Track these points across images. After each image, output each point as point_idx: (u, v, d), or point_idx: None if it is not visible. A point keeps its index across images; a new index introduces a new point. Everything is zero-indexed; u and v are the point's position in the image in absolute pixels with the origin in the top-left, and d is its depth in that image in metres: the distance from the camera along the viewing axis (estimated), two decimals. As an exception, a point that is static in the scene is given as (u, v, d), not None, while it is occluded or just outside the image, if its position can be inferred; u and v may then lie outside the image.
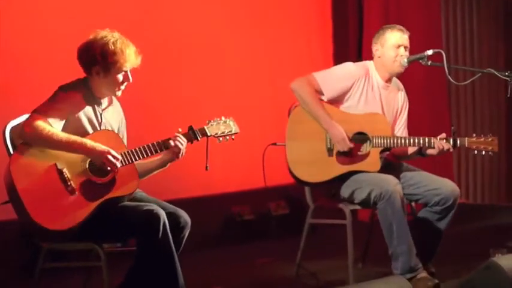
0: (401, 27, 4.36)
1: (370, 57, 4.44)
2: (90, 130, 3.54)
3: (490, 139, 4.20)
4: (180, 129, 3.65)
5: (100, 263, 3.49)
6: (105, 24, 3.62)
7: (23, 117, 3.53)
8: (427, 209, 4.25)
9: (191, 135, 3.65)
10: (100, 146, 3.44)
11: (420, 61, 4.24)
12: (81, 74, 3.61)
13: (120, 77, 3.55)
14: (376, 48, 4.36)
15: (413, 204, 4.41)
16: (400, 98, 4.47)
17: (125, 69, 3.54)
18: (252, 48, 6.12)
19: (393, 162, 4.40)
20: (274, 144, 4.41)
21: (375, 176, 4.17)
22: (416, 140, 4.21)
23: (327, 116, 4.23)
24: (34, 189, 3.36)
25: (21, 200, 3.33)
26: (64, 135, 3.41)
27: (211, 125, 3.71)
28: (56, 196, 3.38)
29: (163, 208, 3.50)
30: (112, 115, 3.67)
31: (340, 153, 4.24)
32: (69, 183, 3.40)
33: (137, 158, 3.52)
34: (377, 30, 4.44)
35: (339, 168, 4.24)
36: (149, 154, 3.55)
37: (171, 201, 3.67)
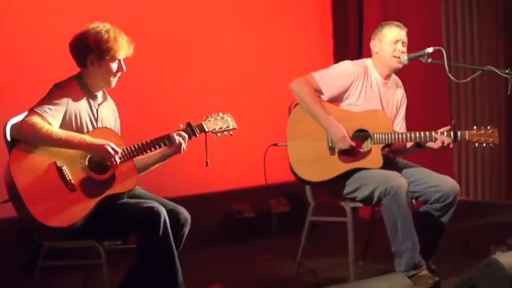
0: (398, 23, 4.38)
1: (370, 56, 4.44)
2: (86, 125, 3.55)
3: (490, 131, 4.21)
4: (181, 125, 3.67)
5: (100, 260, 3.49)
6: (103, 21, 3.62)
7: (23, 115, 3.52)
8: (427, 206, 4.25)
9: (189, 131, 3.67)
10: (99, 140, 3.45)
11: (420, 59, 4.25)
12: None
13: (114, 66, 3.57)
14: (374, 45, 4.37)
15: (413, 201, 4.41)
16: (398, 95, 4.48)
17: (118, 57, 3.56)
18: (251, 47, 6.12)
19: (392, 158, 4.40)
20: (276, 144, 4.40)
21: (379, 172, 4.18)
22: (417, 135, 4.22)
23: (326, 115, 4.22)
24: (34, 187, 3.36)
25: (22, 198, 3.34)
26: (63, 133, 3.42)
27: (209, 120, 3.73)
28: (56, 194, 3.38)
29: (163, 205, 3.50)
30: (107, 111, 3.69)
31: (342, 152, 4.23)
32: (69, 181, 3.40)
33: (140, 154, 3.53)
34: (377, 29, 4.45)
35: (341, 167, 4.24)
36: (152, 150, 3.57)
37: (170, 199, 3.67)
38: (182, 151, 3.64)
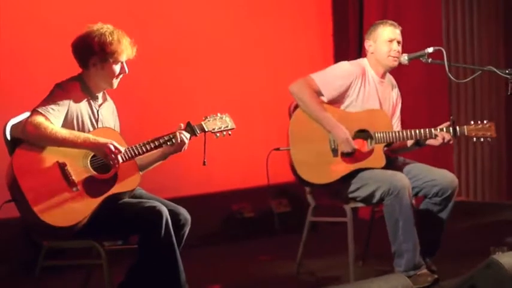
0: (393, 22, 4.39)
1: (368, 56, 4.46)
2: (88, 125, 3.55)
3: (487, 125, 4.26)
4: (181, 125, 3.68)
5: (100, 260, 3.49)
6: (104, 22, 3.62)
7: (24, 115, 3.53)
8: (427, 201, 4.27)
9: (189, 131, 3.67)
10: (103, 139, 3.46)
11: (421, 59, 4.25)
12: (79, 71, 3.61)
13: (117, 68, 3.57)
14: (369, 44, 4.38)
15: (413, 200, 4.40)
16: (394, 94, 4.50)
17: (121, 59, 3.56)
18: (251, 47, 6.12)
19: (390, 157, 4.41)
20: (278, 149, 4.37)
21: (382, 172, 4.18)
22: (417, 132, 4.22)
23: (329, 117, 4.22)
24: (37, 187, 3.36)
25: (26, 198, 3.33)
26: (67, 132, 3.43)
27: (208, 120, 3.74)
28: (59, 193, 3.38)
29: (163, 205, 3.49)
30: (107, 112, 3.69)
31: (344, 153, 4.24)
32: (72, 180, 3.40)
33: (142, 153, 3.54)
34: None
35: (345, 168, 4.23)
36: (154, 149, 3.57)
37: (171, 199, 3.67)
38: (183, 150, 3.64)
